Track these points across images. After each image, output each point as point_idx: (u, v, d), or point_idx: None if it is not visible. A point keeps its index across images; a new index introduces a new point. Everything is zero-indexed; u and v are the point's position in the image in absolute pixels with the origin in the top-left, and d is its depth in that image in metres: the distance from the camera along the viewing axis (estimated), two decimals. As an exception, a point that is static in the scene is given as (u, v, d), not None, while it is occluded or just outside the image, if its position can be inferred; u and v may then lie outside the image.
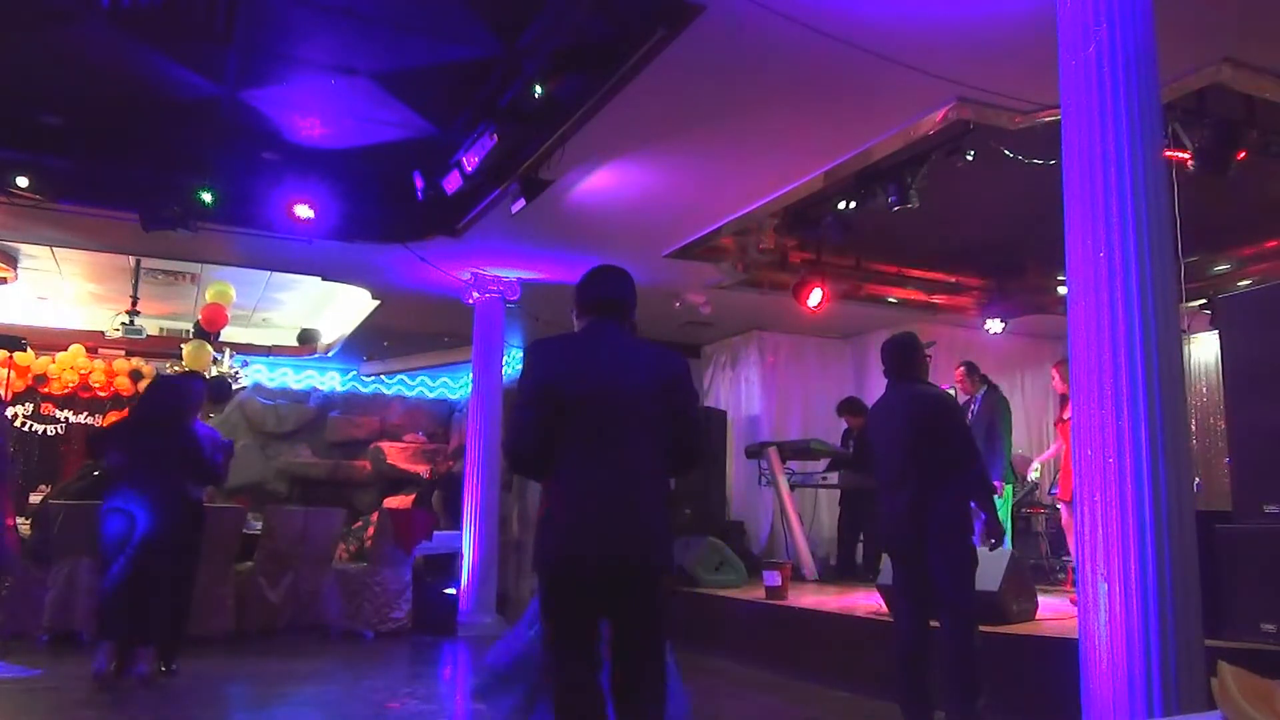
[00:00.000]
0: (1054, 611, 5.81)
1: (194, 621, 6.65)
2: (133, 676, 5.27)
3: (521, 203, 6.09)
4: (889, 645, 4.44)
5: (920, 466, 4.19)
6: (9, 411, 11.08)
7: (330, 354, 11.94)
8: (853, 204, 6.51)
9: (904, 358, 4.47)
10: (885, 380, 4.54)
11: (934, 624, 4.20)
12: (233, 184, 6.54)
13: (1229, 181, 5.33)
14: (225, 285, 9.06)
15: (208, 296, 9.17)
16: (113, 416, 11.49)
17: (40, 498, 8.59)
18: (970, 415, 7.13)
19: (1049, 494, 8.52)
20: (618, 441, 2.83)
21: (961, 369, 7.46)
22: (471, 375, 8.77)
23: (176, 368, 9.89)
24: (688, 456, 3.01)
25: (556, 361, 2.90)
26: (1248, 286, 7.17)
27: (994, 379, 7.64)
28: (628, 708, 2.81)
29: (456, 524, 8.44)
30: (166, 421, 5.49)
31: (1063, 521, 6.74)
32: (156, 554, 5.27)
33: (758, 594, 7.06)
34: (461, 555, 8.29)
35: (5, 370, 10.56)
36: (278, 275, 9.02)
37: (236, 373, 11.01)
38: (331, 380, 12.79)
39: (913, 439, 4.23)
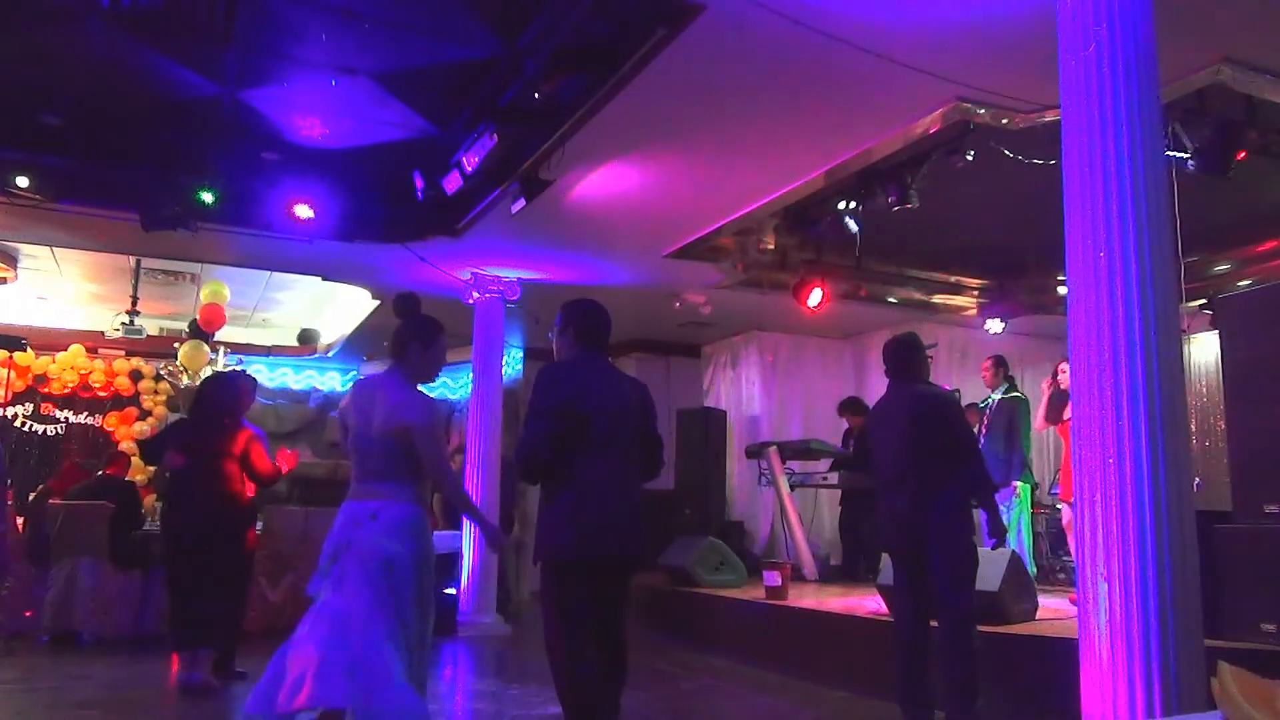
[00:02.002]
0: (1054, 611, 5.81)
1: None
2: (192, 685, 5.18)
3: (521, 203, 6.10)
4: (889, 646, 4.44)
5: (921, 466, 4.20)
6: (9, 412, 11.08)
7: (330, 354, 11.94)
8: (853, 204, 6.51)
9: (905, 358, 4.48)
10: (886, 380, 4.56)
11: (934, 624, 4.21)
12: (233, 184, 6.53)
13: (1229, 181, 5.33)
14: (219, 285, 9.06)
15: (203, 297, 9.17)
16: (113, 416, 11.51)
17: (33, 496, 8.57)
18: (987, 413, 7.13)
19: (1049, 494, 8.51)
20: (617, 452, 3.35)
21: (989, 360, 7.37)
22: (471, 375, 8.77)
23: (174, 368, 9.88)
24: (656, 464, 3.61)
25: (571, 383, 3.36)
26: (1248, 286, 7.16)
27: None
28: (611, 681, 3.30)
29: (456, 524, 8.43)
30: (222, 418, 5.40)
31: (1064, 521, 6.75)
32: (211, 554, 5.19)
33: (758, 594, 7.06)
34: (461, 556, 8.28)
35: (5, 370, 10.55)
36: (277, 275, 9.01)
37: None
38: (331, 380, 12.79)
39: (913, 439, 4.24)
